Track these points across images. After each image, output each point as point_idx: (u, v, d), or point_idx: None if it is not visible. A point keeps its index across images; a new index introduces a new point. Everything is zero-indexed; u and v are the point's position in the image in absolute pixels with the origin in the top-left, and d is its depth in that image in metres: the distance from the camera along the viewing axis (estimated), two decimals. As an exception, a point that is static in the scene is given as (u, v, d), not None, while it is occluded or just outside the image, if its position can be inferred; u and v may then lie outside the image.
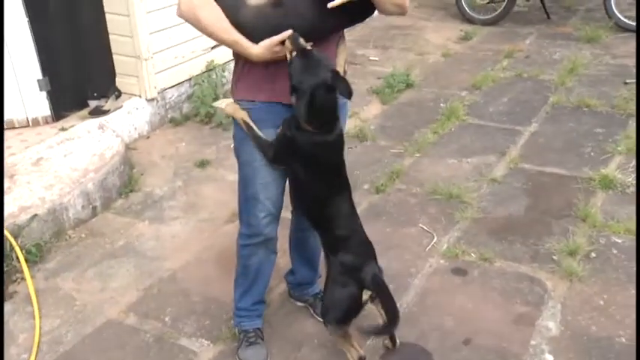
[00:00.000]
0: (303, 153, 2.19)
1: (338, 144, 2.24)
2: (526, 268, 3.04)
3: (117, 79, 4.45)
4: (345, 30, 2.32)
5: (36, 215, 3.26)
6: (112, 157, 3.80)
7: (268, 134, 2.23)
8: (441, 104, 4.83)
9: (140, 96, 4.48)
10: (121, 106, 4.35)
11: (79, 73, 4.21)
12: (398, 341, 2.56)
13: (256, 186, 2.31)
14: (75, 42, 4.13)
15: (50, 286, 3.06)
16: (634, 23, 6.05)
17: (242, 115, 2.25)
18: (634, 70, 5.14)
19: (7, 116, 3.91)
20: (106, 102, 4.26)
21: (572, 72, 5.29)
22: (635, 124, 4.29)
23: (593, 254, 3.09)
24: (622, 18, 6.19)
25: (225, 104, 2.33)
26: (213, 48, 4.77)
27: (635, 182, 3.62)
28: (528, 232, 3.30)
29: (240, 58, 2.22)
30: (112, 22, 4.30)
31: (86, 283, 3.09)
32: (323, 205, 2.29)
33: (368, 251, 2.35)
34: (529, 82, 5.23)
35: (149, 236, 3.43)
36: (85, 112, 4.22)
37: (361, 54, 5.99)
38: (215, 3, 2.07)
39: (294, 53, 2.04)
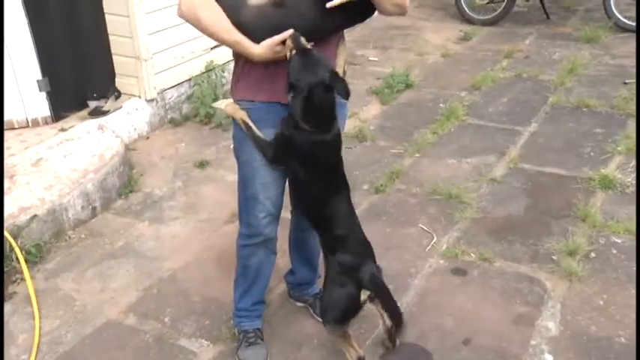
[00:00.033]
0: (302, 152, 2.19)
1: (336, 143, 2.24)
2: (526, 268, 3.04)
3: (116, 79, 4.44)
4: (344, 30, 2.33)
5: (36, 216, 3.26)
6: (111, 158, 3.80)
7: (268, 134, 2.23)
8: (441, 104, 4.83)
9: (140, 96, 4.48)
10: (121, 107, 4.35)
11: (79, 73, 4.20)
12: (398, 341, 2.56)
13: (256, 186, 2.31)
14: (75, 43, 4.13)
15: (50, 287, 3.06)
16: (633, 23, 6.05)
17: (242, 115, 2.25)
18: (633, 70, 5.13)
19: (6, 117, 3.91)
20: (106, 102, 4.26)
21: (571, 72, 5.29)
22: (634, 124, 4.29)
23: (592, 254, 3.09)
24: (621, 18, 6.19)
25: (225, 104, 2.33)
26: (212, 48, 4.77)
27: (634, 182, 3.62)
28: (528, 232, 3.30)
29: (240, 58, 2.22)
30: (112, 22, 4.31)
31: (86, 283, 3.09)
32: (322, 205, 2.29)
33: (366, 251, 2.36)
34: (528, 82, 5.23)
35: (149, 237, 3.43)
36: (84, 112, 4.22)
37: (361, 54, 5.99)
38: (216, 3, 2.07)
39: (294, 52, 2.04)
